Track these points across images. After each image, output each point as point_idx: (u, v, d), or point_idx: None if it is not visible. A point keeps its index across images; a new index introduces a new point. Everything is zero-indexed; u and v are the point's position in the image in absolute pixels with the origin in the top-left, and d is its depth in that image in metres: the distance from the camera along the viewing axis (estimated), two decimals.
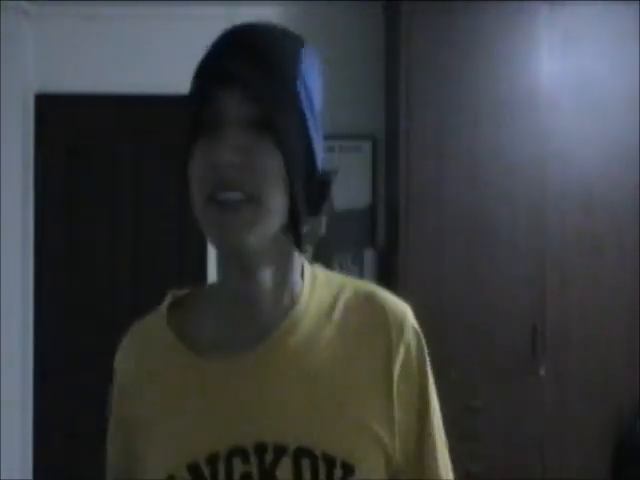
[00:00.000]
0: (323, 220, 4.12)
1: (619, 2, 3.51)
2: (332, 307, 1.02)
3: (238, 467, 0.95)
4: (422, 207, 3.53)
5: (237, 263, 0.98)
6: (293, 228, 0.98)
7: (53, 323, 4.13)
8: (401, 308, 1.03)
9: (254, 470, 0.94)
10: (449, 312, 3.45)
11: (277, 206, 0.94)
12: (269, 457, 0.94)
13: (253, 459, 0.94)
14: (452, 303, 3.45)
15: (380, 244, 4.03)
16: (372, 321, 1.01)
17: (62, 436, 4.11)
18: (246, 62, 0.93)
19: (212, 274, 4.09)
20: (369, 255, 3.99)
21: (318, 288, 1.03)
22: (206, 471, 0.95)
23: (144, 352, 1.06)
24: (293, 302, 1.01)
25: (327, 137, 3.84)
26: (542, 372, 3.43)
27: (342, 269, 4.07)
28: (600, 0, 3.51)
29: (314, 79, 0.99)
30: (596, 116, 3.52)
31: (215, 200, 0.93)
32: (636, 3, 3.50)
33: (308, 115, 0.96)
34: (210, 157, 0.92)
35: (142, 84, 4.12)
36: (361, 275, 4.00)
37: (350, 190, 4.08)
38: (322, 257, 4.10)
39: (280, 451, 0.94)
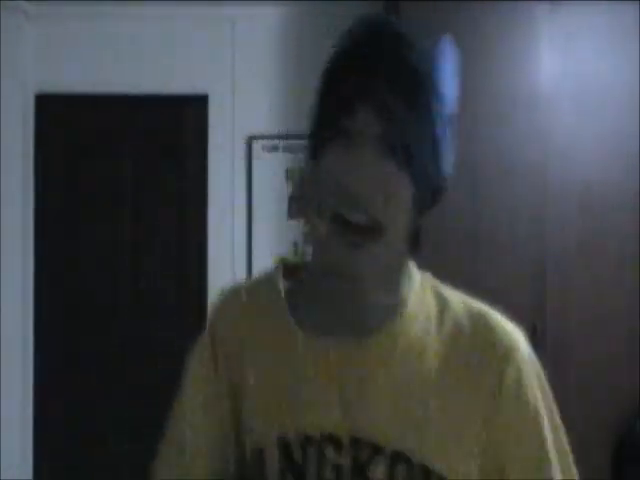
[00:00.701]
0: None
1: (619, 2, 3.50)
2: (440, 319, 0.99)
3: (330, 456, 0.93)
4: None
5: (346, 281, 0.97)
6: (411, 244, 0.97)
7: (53, 323, 4.13)
8: (513, 335, 0.99)
9: (347, 463, 0.93)
10: None
11: (400, 235, 0.93)
12: (364, 454, 0.93)
13: (347, 452, 0.93)
14: None
15: None
16: (481, 344, 0.97)
17: (62, 436, 4.12)
18: (390, 80, 0.89)
19: (212, 274, 4.10)
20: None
21: (426, 296, 1.01)
22: (297, 452, 0.94)
23: (255, 320, 1.02)
24: (401, 303, 0.99)
25: None
26: None
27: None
28: (600, 0, 3.51)
29: (451, 81, 0.95)
30: (596, 116, 3.52)
31: (341, 218, 0.89)
32: (636, 3, 3.50)
33: (439, 129, 0.93)
34: (344, 173, 0.89)
35: (142, 84, 4.12)
36: None
37: None
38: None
39: (376, 451, 0.93)
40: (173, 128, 4.19)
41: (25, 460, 4.05)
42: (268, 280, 1.05)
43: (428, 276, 1.04)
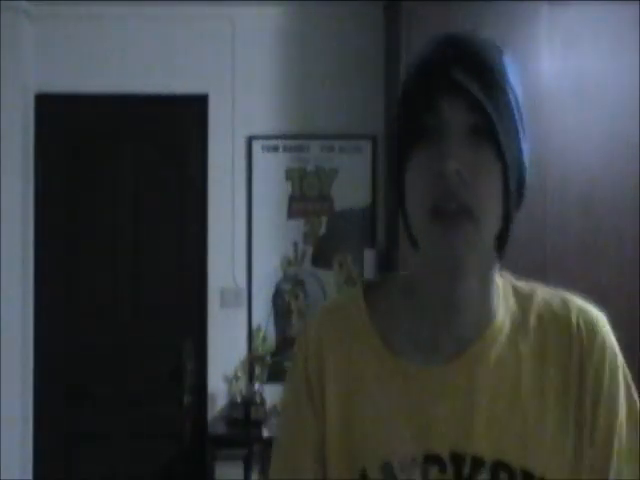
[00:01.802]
0: (323, 221, 4.12)
1: (619, 2, 3.51)
2: (525, 319, 1.01)
3: (433, 474, 0.95)
4: None
5: (450, 271, 0.97)
6: (501, 239, 0.99)
7: (53, 322, 4.13)
8: (594, 316, 1.02)
9: (451, 479, 0.95)
10: None
11: (493, 220, 0.95)
12: (467, 469, 0.94)
13: (450, 469, 0.95)
14: None
15: (380, 244, 4.03)
16: (564, 333, 0.99)
17: (62, 436, 4.12)
18: (469, 72, 0.92)
19: (212, 274, 4.10)
20: (369, 255, 3.99)
21: (509, 297, 1.03)
22: (400, 474, 0.95)
23: (342, 336, 1.03)
24: (490, 314, 1.00)
25: (327, 137, 3.87)
26: None
27: (342, 269, 4.08)
28: (600, 0, 3.51)
29: (518, 85, 0.99)
30: (596, 116, 3.52)
31: (439, 212, 0.92)
32: (636, 3, 3.50)
33: (519, 124, 0.96)
34: (436, 166, 0.91)
35: (142, 84, 4.12)
36: (361, 275, 4.00)
37: (350, 190, 4.08)
38: (322, 257, 4.11)
39: (478, 464, 0.94)
40: (173, 128, 4.19)
41: (25, 460, 4.05)
42: (351, 298, 1.06)
43: (507, 275, 1.06)
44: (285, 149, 4.11)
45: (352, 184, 4.10)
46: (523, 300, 1.02)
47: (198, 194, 4.16)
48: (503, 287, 1.03)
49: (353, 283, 3.94)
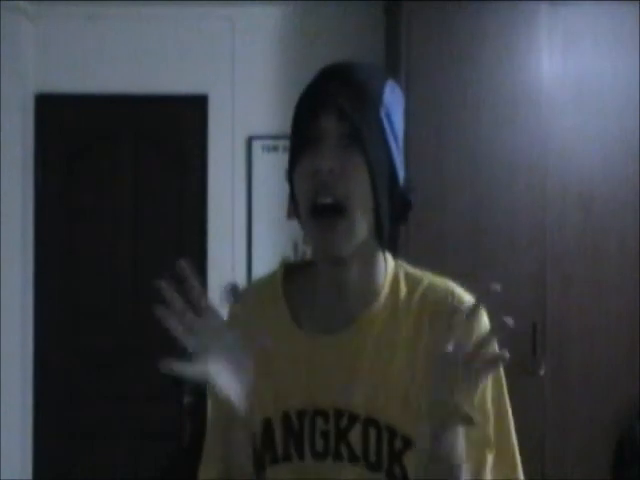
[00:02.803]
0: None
1: (619, 2, 3.50)
2: (410, 298, 1.19)
3: (320, 425, 1.18)
4: (422, 207, 3.52)
5: (331, 261, 1.17)
6: (377, 232, 1.17)
7: (53, 323, 4.13)
8: (468, 299, 1.17)
9: (332, 430, 1.17)
10: None
11: (364, 214, 1.13)
12: (344, 422, 1.17)
13: (332, 421, 1.17)
14: None
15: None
16: (441, 311, 1.14)
17: (62, 436, 4.12)
18: (342, 90, 1.13)
19: (212, 274, 4.10)
20: None
21: (399, 281, 1.21)
22: (296, 422, 1.18)
23: (259, 310, 1.24)
24: (374, 293, 1.20)
25: None
26: (542, 372, 3.43)
27: None
28: (600, 0, 3.51)
29: (395, 108, 1.18)
30: (596, 116, 3.52)
31: (317, 210, 1.12)
32: (636, 3, 3.50)
33: (389, 136, 1.15)
34: (312, 165, 1.12)
35: (142, 84, 4.12)
36: None
37: None
38: None
39: (353, 418, 1.16)
40: (173, 128, 4.19)
41: (25, 460, 4.06)
42: (272, 278, 1.27)
43: (401, 263, 1.24)
44: (285, 149, 4.11)
45: None
46: (412, 283, 1.21)
47: (198, 194, 4.16)
48: (394, 272, 1.22)
49: None
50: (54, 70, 4.12)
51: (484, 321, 1.11)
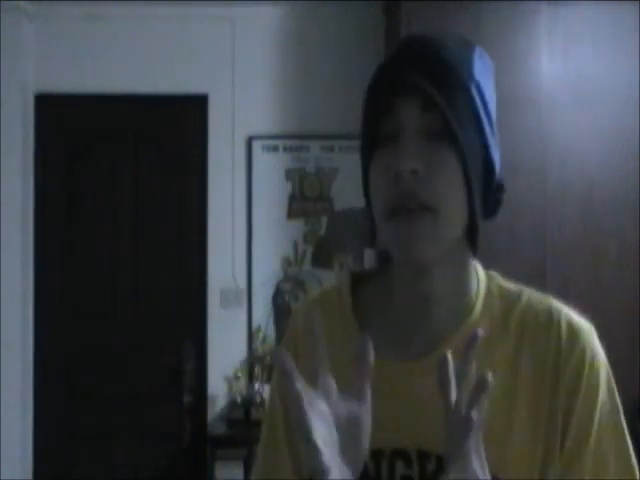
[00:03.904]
0: (323, 221, 4.12)
1: (619, 2, 3.50)
2: (506, 319, 0.99)
3: (400, 469, 0.96)
4: None
5: (414, 267, 0.98)
6: (470, 235, 0.99)
7: (53, 323, 4.13)
8: (577, 324, 1.01)
9: (415, 475, 0.95)
10: None
11: (455, 216, 0.95)
12: (431, 466, 0.95)
13: (415, 465, 0.95)
14: None
15: (380, 244, 4.02)
16: (544, 338, 0.98)
17: (62, 436, 4.12)
18: (422, 72, 0.92)
19: (212, 274, 4.10)
20: (369, 255, 3.99)
21: (493, 297, 1.02)
22: (370, 466, 0.96)
23: (325, 328, 0.96)
24: (468, 309, 1.00)
25: (327, 137, 3.86)
26: None
27: (342, 269, 4.08)
28: (600, 0, 3.51)
29: (487, 82, 0.98)
30: (596, 116, 3.52)
31: (396, 213, 0.93)
32: (636, 3, 3.50)
33: (484, 120, 0.96)
34: (393, 168, 0.92)
35: (142, 84, 4.12)
36: None
37: (350, 190, 4.08)
38: (322, 257, 4.11)
39: (442, 462, 0.92)
40: (173, 128, 4.19)
41: (25, 460, 4.05)
42: (338, 291, 1.06)
43: (495, 275, 1.06)
44: (285, 149, 4.11)
45: (352, 184, 4.09)
46: (508, 300, 1.02)
47: (198, 194, 4.16)
48: (487, 285, 1.03)
49: None
50: (54, 70, 4.12)
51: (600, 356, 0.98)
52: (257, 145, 4.12)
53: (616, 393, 0.99)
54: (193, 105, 4.17)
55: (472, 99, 0.94)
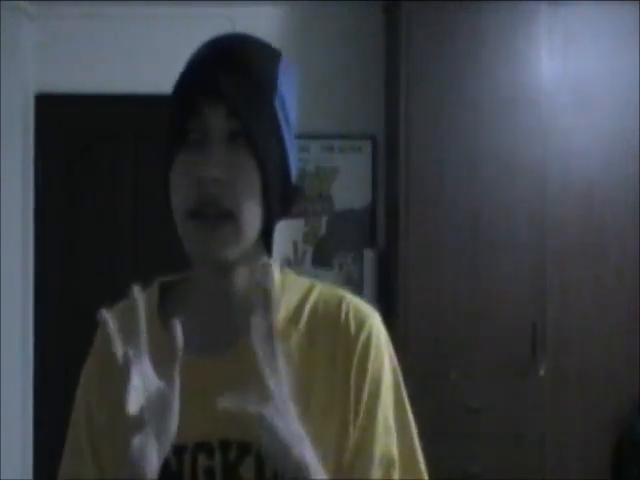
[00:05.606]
0: (323, 221, 4.13)
1: (619, 2, 3.51)
2: (299, 312, 1.05)
3: (202, 461, 0.99)
4: (422, 207, 3.53)
5: (214, 269, 1.03)
6: (266, 236, 1.04)
7: (53, 323, 4.13)
8: (364, 310, 1.06)
9: (218, 465, 0.99)
10: (449, 312, 3.45)
11: (253, 220, 1.00)
12: (233, 454, 0.99)
13: (217, 455, 0.99)
14: (452, 303, 3.45)
15: (380, 244, 4.03)
16: (333, 325, 1.03)
17: (62, 436, 4.11)
18: (230, 79, 0.97)
19: None
20: (369, 255, 3.99)
21: (286, 292, 1.07)
22: (173, 462, 0.99)
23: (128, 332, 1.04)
24: None
25: (327, 137, 3.86)
26: (542, 372, 3.43)
27: (342, 269, 4.08)
28: (600, 0, 3.51)
29: (290, 92, 1.05)
30: (596, 116, 3.52)
31: (197, 216, 0.98)
32: (636, 3, 3.50)
33: (284, 128, 1.02)
34: (196, 172, 0.97)
35: (142, 84, 4.12)
36: (361, 275, 4.00)
37: (350, 190, 4.08)
38: (322, 257, 4.11)
39: (244, 449, 0.98)
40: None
41: (25, 460, 4.05)
42: (147, 296, 1.09)
43: (289, 271, 1.11)
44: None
45: (352, 184, 4.10)
46: (300, 293, 1.07)
47: None
48: (282, 281, 1.08)
49: (353, 283, 3.95)
50: (54, 70, 4.12)
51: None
52: None
53: (399, 371, 1.06)
54: None
55: (274, 108, 1.01)
